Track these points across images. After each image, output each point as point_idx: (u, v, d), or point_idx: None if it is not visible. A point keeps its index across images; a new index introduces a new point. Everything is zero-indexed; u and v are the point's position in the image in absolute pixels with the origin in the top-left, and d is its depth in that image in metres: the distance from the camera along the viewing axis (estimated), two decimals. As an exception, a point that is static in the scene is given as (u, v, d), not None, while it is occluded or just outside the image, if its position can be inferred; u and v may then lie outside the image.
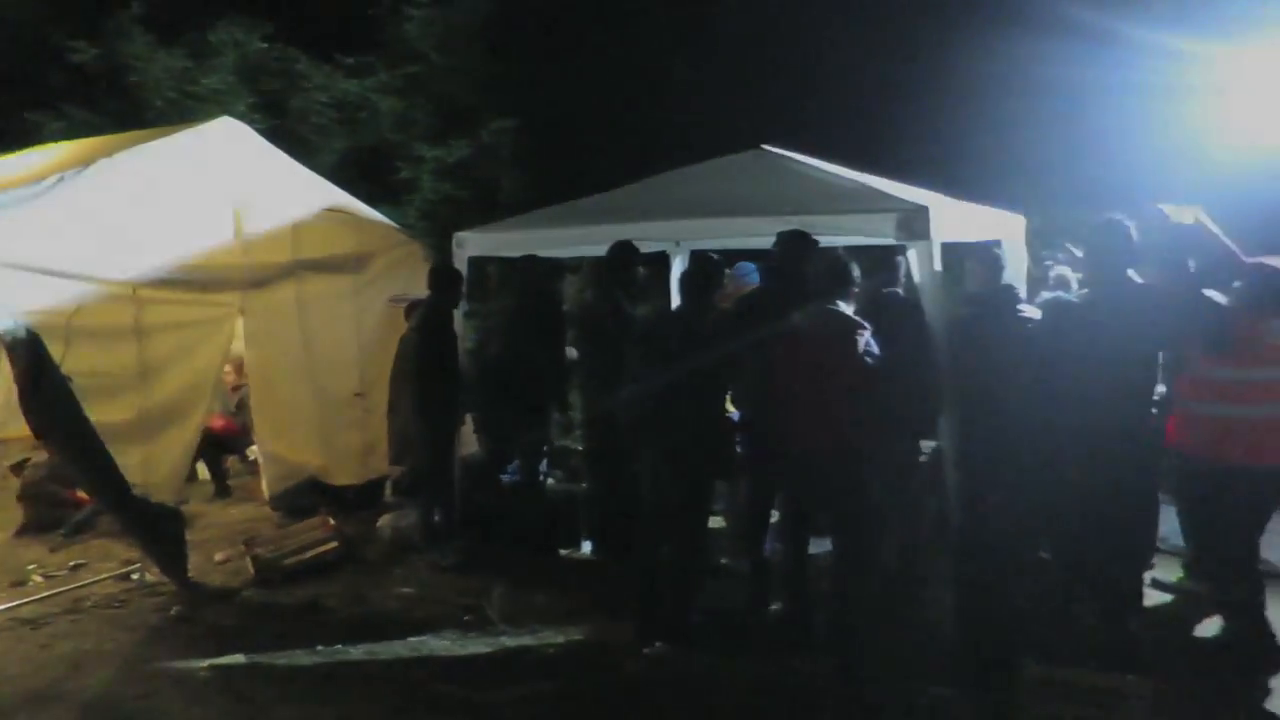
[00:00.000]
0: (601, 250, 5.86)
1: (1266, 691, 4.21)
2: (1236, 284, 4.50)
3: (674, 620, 4.81)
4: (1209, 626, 4.83)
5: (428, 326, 6.04)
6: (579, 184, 6.92)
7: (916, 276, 4.86)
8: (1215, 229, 4.71)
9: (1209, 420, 4.28)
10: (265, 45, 11.79)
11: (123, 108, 10.73)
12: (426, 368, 5.99)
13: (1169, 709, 3.87)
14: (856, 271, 4.62)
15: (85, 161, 5.71)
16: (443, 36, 12.82)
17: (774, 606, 5.08)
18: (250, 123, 7.55)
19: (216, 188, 6.31)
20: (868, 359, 4.40)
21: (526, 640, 4.92)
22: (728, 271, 6.06)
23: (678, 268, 7.21)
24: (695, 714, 4.19)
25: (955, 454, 4.80)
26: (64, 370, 5.07)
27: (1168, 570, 5.47)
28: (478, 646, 4.87)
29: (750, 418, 5.11)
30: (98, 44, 10.96)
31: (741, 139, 6.54)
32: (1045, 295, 5.49)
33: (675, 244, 7.05)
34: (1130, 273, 4.41)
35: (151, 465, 5.93)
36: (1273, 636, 4.43)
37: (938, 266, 4.74)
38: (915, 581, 5.12)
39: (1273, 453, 4.28)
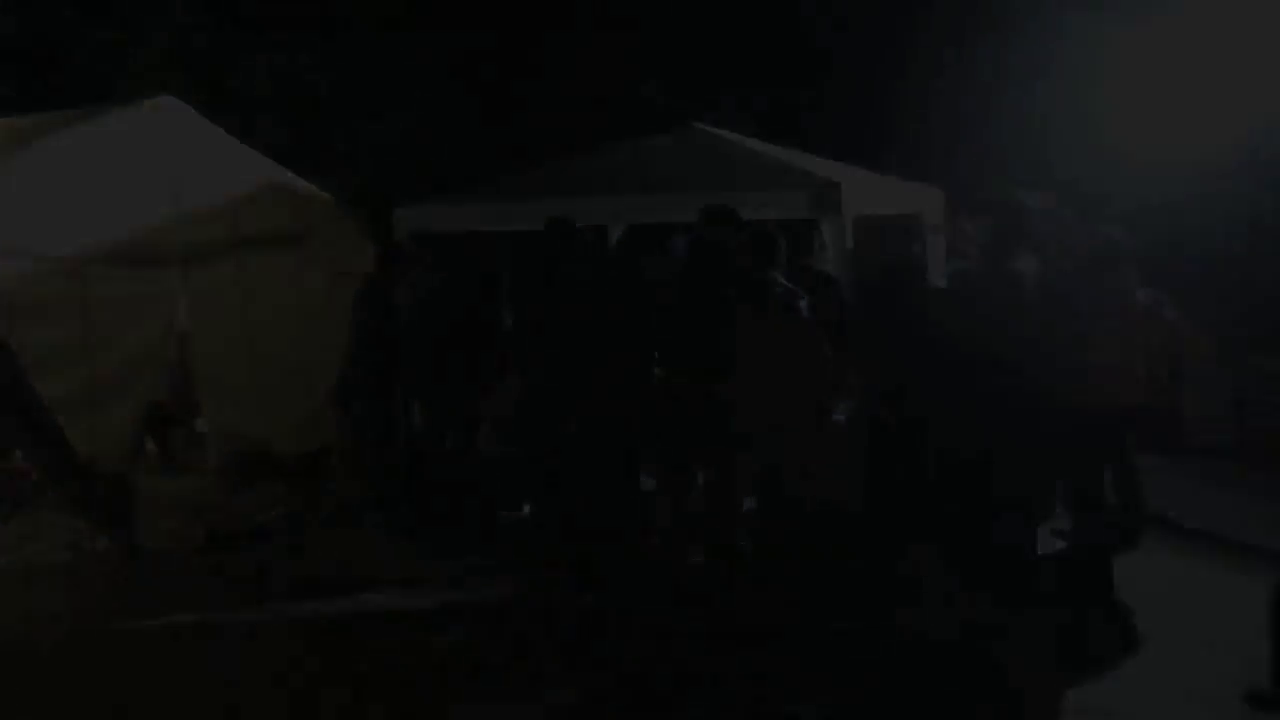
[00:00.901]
0: (538, 225, 6.10)
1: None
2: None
3: (607, 572, 5.13)
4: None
5: (372, 302, 6.29)
6: (518, 159, 7.12)
7: (829, 250, 5.21)
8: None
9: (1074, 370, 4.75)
10: (198, 20, 11.68)
11: (51, 84, 10.57)
12: (370, 341, 6.27)
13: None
14: (783, 243, 4.96)
15: (21, 140, 5.80)
16: (378, 10, 12.80)
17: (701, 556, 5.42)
18: (185, 99, 7.59)
19: (157, 165, 6.40)
20: (809, 322, 4.72)
21: (468, 595, 5.19)
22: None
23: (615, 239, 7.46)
24: (626, 658, 4.48)
25: (865, 414, 5.17)
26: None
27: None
28: (421, 601, 5.13)
29: (686, 382, 5.36)
30: (21, 19, 10.77)
31: (664, 111, 6.83)
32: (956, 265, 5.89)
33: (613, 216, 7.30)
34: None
35: (97, 437, 6.03)
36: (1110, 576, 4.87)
37: (849, 241, 5.10)
38: (832, 530, 5.50)
39: (1127, 395, 4.80)
